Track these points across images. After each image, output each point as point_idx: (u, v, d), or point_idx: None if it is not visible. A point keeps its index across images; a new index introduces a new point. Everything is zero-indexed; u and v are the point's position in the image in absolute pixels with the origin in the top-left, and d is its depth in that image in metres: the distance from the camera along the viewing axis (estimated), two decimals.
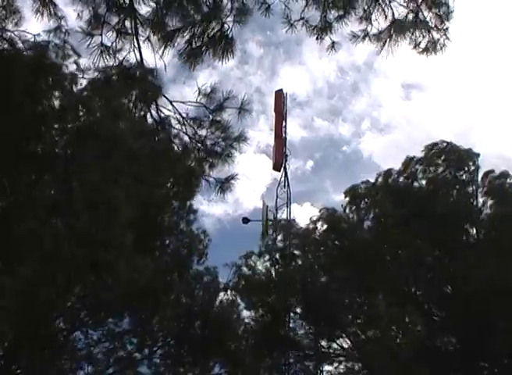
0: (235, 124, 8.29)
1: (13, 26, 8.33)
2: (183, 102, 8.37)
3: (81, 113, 12.38)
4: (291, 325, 19.65)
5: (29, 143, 11.59)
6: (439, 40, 7.64)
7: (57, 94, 12.62)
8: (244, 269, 19.93)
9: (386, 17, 7.40)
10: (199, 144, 8.69)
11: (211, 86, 7.83)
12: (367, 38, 7.43)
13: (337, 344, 19.49)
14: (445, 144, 19.47)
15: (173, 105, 8.45)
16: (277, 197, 22.26)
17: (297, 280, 19.30)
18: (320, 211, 20.11)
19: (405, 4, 7.43)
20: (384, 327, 18.00)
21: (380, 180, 19.72)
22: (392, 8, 7.37)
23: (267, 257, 20.42)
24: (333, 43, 7.61)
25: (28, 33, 11.16)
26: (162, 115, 8.41)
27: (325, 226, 19.59)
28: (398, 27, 7.41)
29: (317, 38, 7.56)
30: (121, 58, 8.07)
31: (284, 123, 23.16)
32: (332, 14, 7.42)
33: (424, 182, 19.42)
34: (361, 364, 19.10)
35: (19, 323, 12.02)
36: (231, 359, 17.67)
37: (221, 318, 17.82)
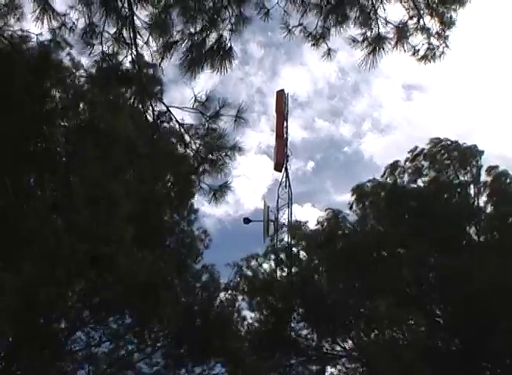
0: (236, 126, 8.21)
1: (15, 21, 8.32)
2: (179, 108, 8.36)
3: (81, 110, 12.40)
4: (293, 326, 19.61)
5: (30, 141, 11.60)
6: (438, 47, 7.62)
7: (58, 92, 12.69)
8: (246, 269, 19.91)
9: (387, 23, 7.37)
10: (194, 152, 8.68)
11: (207, 94, 7.77)
12: (365, 43, 7.38)
13: (340, 346, 19.46)
14: (449, 142, 19.45)
15: (170, 111, 8.46)
16: (278, 197, 22.25)
17: (300, 280, 19.28)
18: (326, 210, 19.99)
19: (406, 10, 7.41)
20: (386, 328, 17.97)
21: (386, 175, 19.65)
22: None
23: (270, 258, 20.42)
24: (329, 50, 7.61)
25: (30, 33, 11.27)
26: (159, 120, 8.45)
27: (329, 227, 19.51)
28: (399, 33, 7.39)
29: (313, 45, 7.58)
30: (120, 59, 8.13)
31: (285, 124, 23.12)
32: (330, 21, 7.42)
33: (426, 179, 19.38)
34: (363, 365, 19.04)
35: (19, 322, 12.01)
36: (232, 359, 17.62)
37: (221, 318, 17.78)
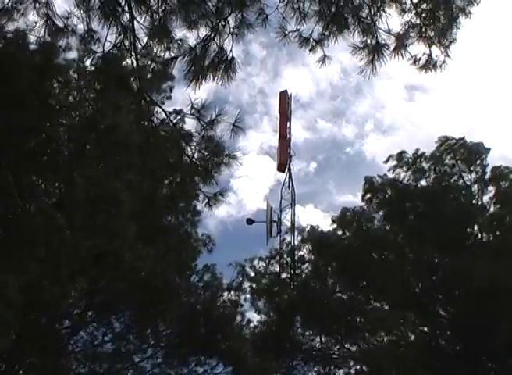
0: (233, 135, 8.17)
1: (19, 16, 8.34)
2: (177, 113, 8.40)
3: (84, 109, 12.44)
4: (297, 327, 19.60)
5: (33, 139, 11.62)
6: (439, 56, 7.61)
7: (60, 92, 12.74)
8: (249, 269, 19.92)
9: (390, 31, 7.37)
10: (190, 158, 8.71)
11: (202, 103, 7.79)
12: (366, 50, 7.38)
13: (344, 347, 19.45)
14: (454, 140, 19.42)
15: (168, 116, 8.49)
16: (281, 198, 22.18)
17: (304, 282, 19.29)
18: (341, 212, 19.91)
19: (407, 19, 7.41)
20: (389, 329, 17.95)
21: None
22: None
23: (275, 259, 20.41)
24: (325, 56, 7.63)
25: (33, 35, 11.31)
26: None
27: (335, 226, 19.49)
28: (397, 42, 7.38)
29: (310, 50, 7.58)
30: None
31: (288, 124, 23.10)
32: (330, 28, 7.43)
33: (431, 179, 19.35)
34: (367, 366, 19.01)
35: (22, 321, 12.00)
36: (234, 359, 17.63)
37: (224, 317, 17.80)
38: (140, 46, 7.60)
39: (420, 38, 7.47)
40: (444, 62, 7.62)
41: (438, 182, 19.21)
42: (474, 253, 16.98)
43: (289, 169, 22.60)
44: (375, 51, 7.27)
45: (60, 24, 8.65)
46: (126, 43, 7.57)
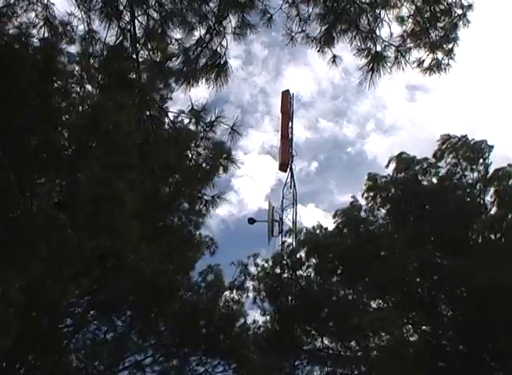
0: (231, 139, 8.12)
1: (22, 12, 8.35)
2: (177, 114, 8.39)
3: (87, 109, 12.43)
4: (299, 327, 19.57)
5: (34, 138, 11.61)
6: (443, 59, 7.61)
7: (62, 91, 12.72)
8: (251, 269, 19.91)
9: (392, 35, 7.35)
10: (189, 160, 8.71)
11: (202, 105, 7.77)
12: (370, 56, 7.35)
13: (345, 347, 19.43)
14: (457, 138, 19.36)
15: (168, 117, 8.48)
16: (283, 197, 22.21)
17: (305, 281, 19.29)
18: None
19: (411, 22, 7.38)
20: (390, 328, 17.91)
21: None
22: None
23: (276, 259, 20.39)
24: (334, 57, 7.60)
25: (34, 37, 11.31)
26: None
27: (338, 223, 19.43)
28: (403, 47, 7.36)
29: (318, 51, 7.56)
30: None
31: (290, 124, 23.10)
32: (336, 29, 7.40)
33: (434, 179, 19.31)
34: (369, 366, 18.98)
35: (24, 320, 11.99)
36: (236, 359, 17.64)
37: (226, 316, 17.79)
38: (140, 46, 7.60)
39: (421, 45, 7.46)
40: (448, 64, 7.63)
41: (440, 181, 19.15)
42: (474, 253, 16.95)
43: (291, 169, 22.62)
44: (374, 61, 7.26)
45: (60, 24, 8.69)
46: (127, 43, 7.57)
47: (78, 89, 13.27)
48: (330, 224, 19.90)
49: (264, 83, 44.88)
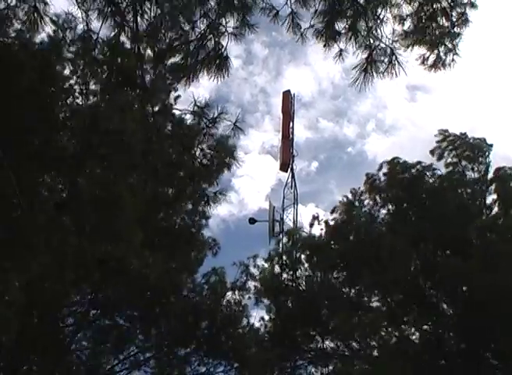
0: (233, 134, 8.13)
1: (23, 15, 8.37)
2: (180, 111, 8.41)
3: (88, 110, 12.45)
4: (300, 326, 19.57)
5: (37, 140, 11.63)
6: (447, 55, 7.55)
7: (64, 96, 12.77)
8: (252, 269, 19.92)
9: (394, 32, 7.33)
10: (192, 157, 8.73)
11: (205, 101, 7.78)
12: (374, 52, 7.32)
13: (345, 346, 19.43)
14: (456, 135, 19.32)
15: (171, 114, 8.48)
16: (284, 197, 22.23)
17: (305, 280, 19.28)
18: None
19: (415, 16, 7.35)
20: (391, 327, 17.93)
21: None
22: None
23: (274, 260, 20.39)
24: (341, 51, 7.55)
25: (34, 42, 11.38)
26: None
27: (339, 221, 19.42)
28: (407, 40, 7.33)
29: (324, 45, 7.54)
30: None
31: (291, 124, 23.10)
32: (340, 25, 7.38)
33: (433, 178, 19.28)
34: (370, 364, 18.99)
35: (25, 320, 12.02)
36: (238, 359, 17.65)
37: (228, 317, 17.81)
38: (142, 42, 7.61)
39: (423, 42, 7.42)
40: (453, 60, 7.58)
41: (440, 181, 19.13)
42: (475, 253, 16.94)
43: (292, 169, 22.63)
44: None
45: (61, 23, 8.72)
46: (129, 39, 7.57)
47: (79, 88, 13.34)
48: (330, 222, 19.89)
49: (264, 83, 45.02)
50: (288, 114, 23.14)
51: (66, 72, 13.10)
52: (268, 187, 42.41)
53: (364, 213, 19.45)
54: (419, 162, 19.23)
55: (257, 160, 33.91)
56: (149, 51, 7.87)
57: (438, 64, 7.58)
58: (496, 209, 18.51)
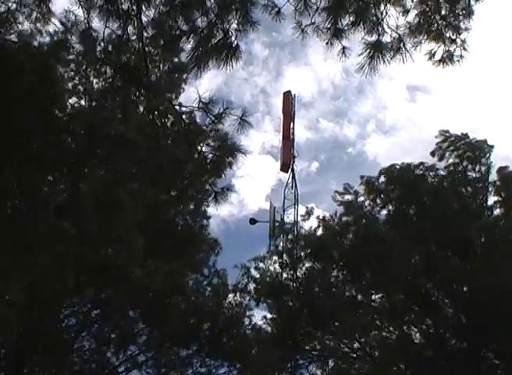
0: (240, 128, 8.16)
1: (24, 19, 8.40)
2: (185, 107, 8.39)
3: (89, 112, 12.46)
4: (301, 326, 19.59)
5: (38, 145, 11.63)
6: (455, 50, 7.40)
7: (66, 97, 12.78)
8: (253, 271, 19.95)
9: (397, 27, 7.28)
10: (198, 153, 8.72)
11: (210, 97, 7.77)
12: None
13: (345, 345, 19.46)
14: (457, 136, 19.33)
15: (176, 111, 8.47)
16: (284, 198, 22.20)
17: (306, 280, 19.31)
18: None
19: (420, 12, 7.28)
20: (392, 326, 17.95)
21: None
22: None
23: (274, 260, 20.44)
24: (344, 48, 7.50)
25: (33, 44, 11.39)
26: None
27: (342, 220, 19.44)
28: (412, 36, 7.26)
29: (327, 43, 7.50)
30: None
31: (292, 125, 23.09)
32: (342, 22, 7.34)
33: (435, 179, 19.29)
34: (370, 364, 19.02)
35: (27, 320, 12.05)
36: (239, 359, 17.67)
37: (230, 318, 17.83)
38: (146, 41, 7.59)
39: (431, 35, 7.33)
40: (461, 56, 7.41)
41: (441, 181, 19.14)
42: (476, 253, 16.97)
43: (293, 170, 22.61)
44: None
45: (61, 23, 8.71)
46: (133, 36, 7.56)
47: (83, 89, 13.36)
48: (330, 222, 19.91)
49: (264, 84, 45.01)
50: (288, 114, 23.14)
51: (69, 72, 13.11)
52: (269, 187, 42.34)
53: (362, 212, 19.49)
54: (422, 163, 19.29)
55: (258, 160, 33.86)
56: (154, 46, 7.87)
57: (445, 59, 7.43)
58: (497, 210, 18.56)
